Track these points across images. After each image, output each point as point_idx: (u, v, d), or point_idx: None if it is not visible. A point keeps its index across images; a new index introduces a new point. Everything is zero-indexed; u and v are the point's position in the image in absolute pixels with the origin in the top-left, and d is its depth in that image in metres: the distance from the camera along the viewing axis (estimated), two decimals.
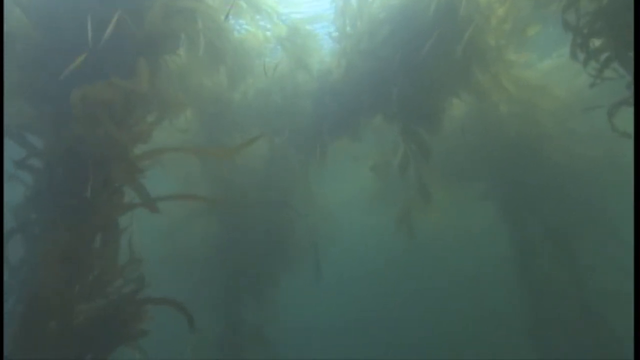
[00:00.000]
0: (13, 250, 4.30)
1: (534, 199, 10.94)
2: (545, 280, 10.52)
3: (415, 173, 8.65)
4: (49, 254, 3.61)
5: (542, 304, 10.44)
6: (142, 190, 4.16)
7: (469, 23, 7.41)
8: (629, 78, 4.84)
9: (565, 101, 10.53)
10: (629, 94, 4.79)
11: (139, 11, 4.57)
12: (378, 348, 21.21)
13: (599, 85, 5.37)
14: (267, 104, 10.02)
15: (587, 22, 5.17)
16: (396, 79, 8.06)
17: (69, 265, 3.63)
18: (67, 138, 3.88)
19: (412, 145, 8.31)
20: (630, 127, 4.69)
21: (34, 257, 3.93)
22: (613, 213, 10.81)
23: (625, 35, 4.61)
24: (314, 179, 11.13)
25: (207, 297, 10.41)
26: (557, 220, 10.78)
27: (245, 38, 9.07)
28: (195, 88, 8.83)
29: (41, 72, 4.15)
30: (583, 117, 9.27)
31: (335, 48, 9.35)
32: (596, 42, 5.23)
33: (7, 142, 4.28)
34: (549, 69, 10.69)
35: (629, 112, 4.75)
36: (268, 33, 9.32)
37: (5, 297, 4.09)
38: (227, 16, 6.48)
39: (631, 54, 4.65)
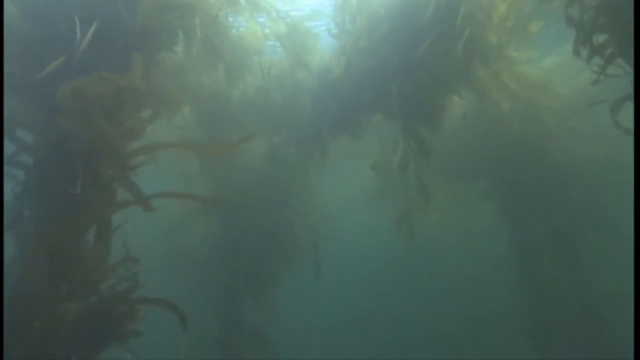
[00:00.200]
0: (4, 248, 4.23)
1: (534, 199, 10.87)
2: (546, 280, 10.47)
3: (416, 172, 8.58)
4: (33, 251, 3.54)
5: (542, 304, 10.40)
6: (133, 187, 4.08)
7: (470, 20, 7.33)
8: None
9: (567, 99, 10.47)
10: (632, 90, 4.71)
11: (133, 4, 4.49)
12: (378, 348, 21.18)
13: (602, 83, 5.29)
14: (266, 102, 9.94)
15: (591, 17, 5.09)
16: (396, 77, 7.98)
17: (56, 263, 3.56)
18: (57, 133, 3.80)
19: (412, 144, 8.24)
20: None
21: (22, 254, 3.85)
22: (614, 213, 10.74)
23: (629, 30, 4.52)
24: (313, 178, 11.06)
25: (207, 297, 10.38)
26: (558, 220, 10.72)
27: (244, 35, 9.00)
28: (194, 86, 8.76)
29: (31, 65, 4.07)
30: (585, 115, 9.22)
31: (335, 45, 9.27)
32: (599, 38, 5.15)
33: None
34: (551, 66, 10.63)
35: (632, 109, 4.67)
36: (267, 30, 9.25)
37: None
38: (217, 14, 6.38)
39: None
